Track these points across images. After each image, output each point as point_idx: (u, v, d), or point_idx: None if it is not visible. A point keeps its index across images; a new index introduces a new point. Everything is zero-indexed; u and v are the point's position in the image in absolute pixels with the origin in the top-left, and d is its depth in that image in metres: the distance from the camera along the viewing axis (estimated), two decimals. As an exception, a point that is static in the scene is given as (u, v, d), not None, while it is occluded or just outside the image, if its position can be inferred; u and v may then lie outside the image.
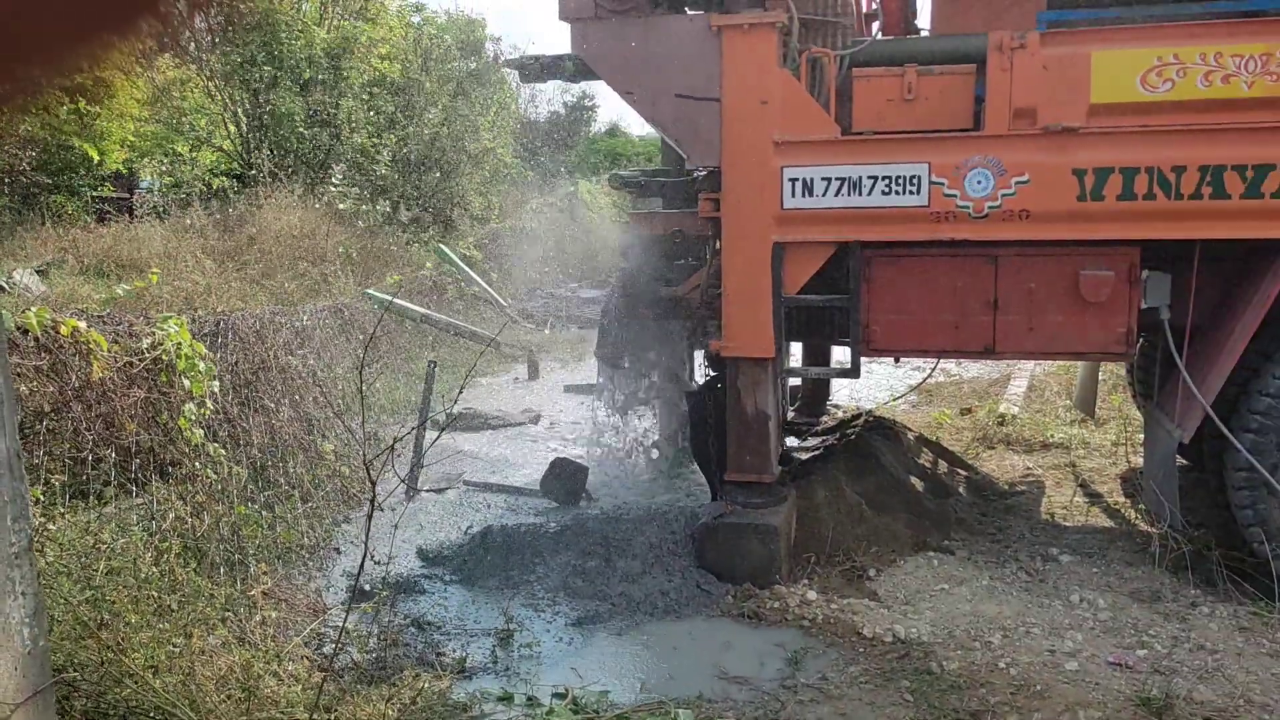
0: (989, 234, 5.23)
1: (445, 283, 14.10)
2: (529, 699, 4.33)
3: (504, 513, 6.81)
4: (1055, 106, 5.05)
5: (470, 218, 19.38)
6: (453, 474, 7.62)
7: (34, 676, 2.76)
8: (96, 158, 15.98)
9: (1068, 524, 6.36)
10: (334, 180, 17.76)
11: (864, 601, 5.24)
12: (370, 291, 11.32)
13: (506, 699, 4.33)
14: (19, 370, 4.79)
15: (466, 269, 15.12)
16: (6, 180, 15.34)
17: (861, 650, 4.77)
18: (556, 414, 9.66)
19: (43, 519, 4.28)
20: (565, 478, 6.96)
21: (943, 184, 5.19)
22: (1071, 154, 5.04)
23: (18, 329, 4.91)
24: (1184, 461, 5.91)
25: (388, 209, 18.06)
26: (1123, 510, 6.58)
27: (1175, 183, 4.93)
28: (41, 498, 4.45)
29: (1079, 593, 5.28)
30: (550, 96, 33.61)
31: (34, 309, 5.06)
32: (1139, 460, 7.05)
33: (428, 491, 7.20)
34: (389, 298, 10.81)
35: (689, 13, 5.78)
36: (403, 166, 18.16)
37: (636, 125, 37.01)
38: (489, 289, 15.27)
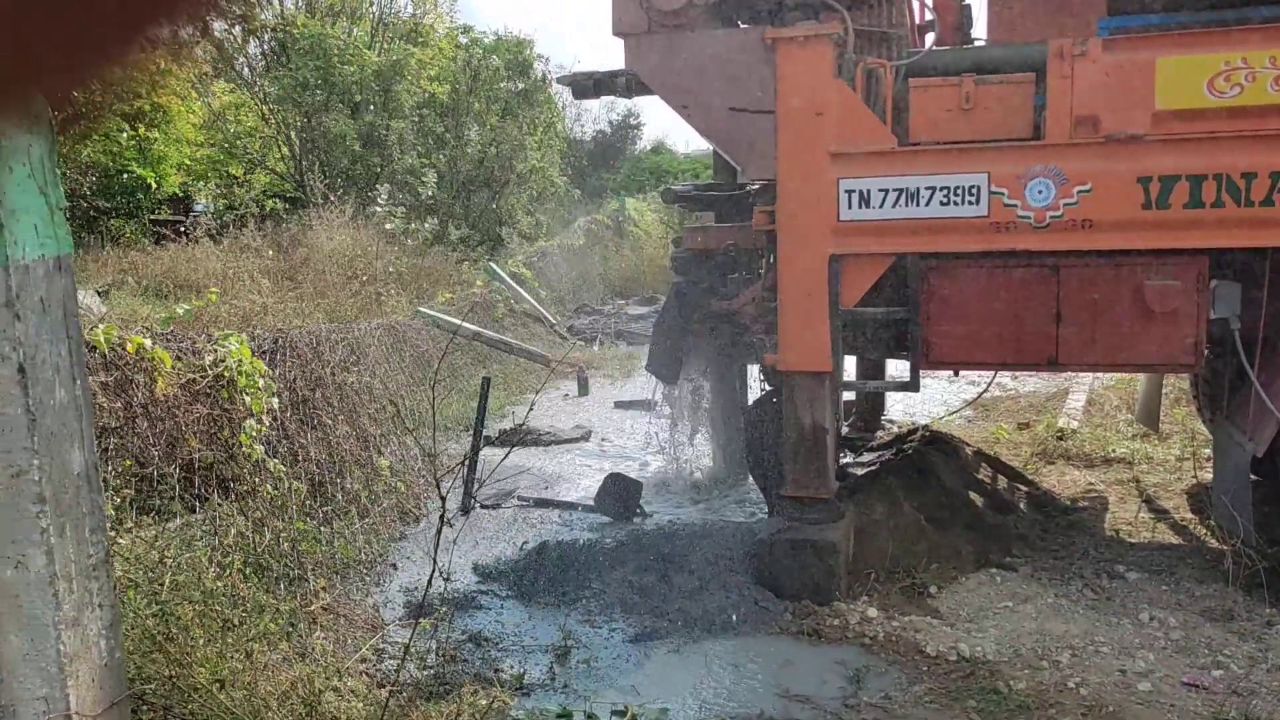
0: (1051, 244, 5.14)
1: (495, 300, 14.20)
2: (588, 716, 4.29)
3: (559, 528, 6.80)
4: (1118, 114, 4.96)
5: (519, 236, 19.53)
6: (507, 490, 7.63)
7: (110, 688, 2.79)
8: (154, 183, 16.34)
9: (1133, 540, 6.20)
10: (380, 200, 17.99)
11: (926, 619, 5.15)
12: (422, 309, 11.43)
13: (566, 716, 4.30)
14: (87, 387, 4.88)
15: (516, 286, 15.22)
16: (69, 205, 15.72)
17: (925, 669, 4.68)
18: (607, 430, 9.65)
19: (112, 533, 4.34)
20: (619, 493, 6.94)
21: (1003, 194, 5.12)
22: (1136, 162, 4.94)
23: (85, 346, 5.00)
24: (1256, 476, 5.73)
25: (436, 227, 18.25)
26: (1191, 526, 6.41)
27: (1245, 189, 4.81)
28: (112, 512, 4.52)
29: (1148, 611, 5.14)
30: (596, 115, 33.80)
31: (101, 326, 5.16)
32: (1206, 475, 6.87)
33: (483, 507, 7.22)
34: (441, 315, 10.89)
35: (742, 26, 5.77)
36: (451, 186, 18.35)
37: (681, 143, 37.15)
38: (538, 306, 15.36)
